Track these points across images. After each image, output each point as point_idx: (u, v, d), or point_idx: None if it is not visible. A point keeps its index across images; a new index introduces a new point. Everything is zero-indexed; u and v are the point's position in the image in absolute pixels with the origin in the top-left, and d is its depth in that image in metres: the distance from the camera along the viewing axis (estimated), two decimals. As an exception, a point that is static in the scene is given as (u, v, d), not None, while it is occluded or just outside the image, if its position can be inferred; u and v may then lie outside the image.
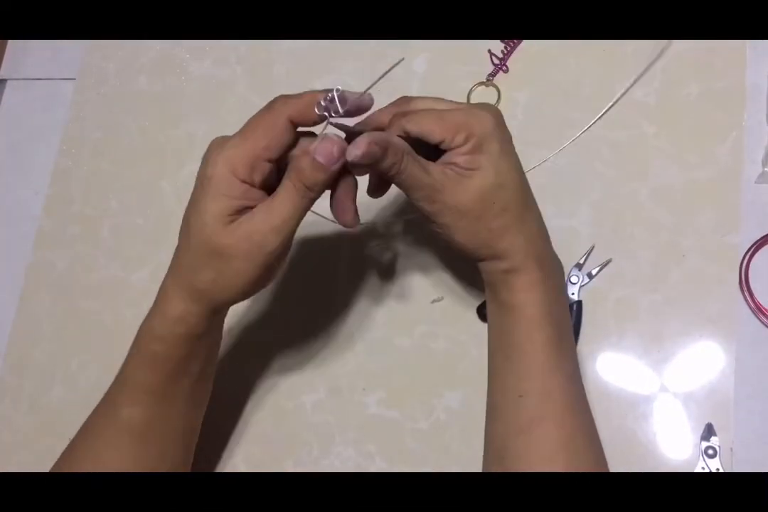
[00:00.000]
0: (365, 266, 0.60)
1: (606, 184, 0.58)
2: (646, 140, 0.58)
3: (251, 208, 0.43)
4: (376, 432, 0.56)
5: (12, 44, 0.73)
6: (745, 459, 0.51)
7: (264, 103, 0.66)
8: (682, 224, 0.56)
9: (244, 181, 0.43)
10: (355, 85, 0.64)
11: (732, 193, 0.56)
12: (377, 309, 0.59)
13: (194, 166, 0.65)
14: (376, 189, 0.49)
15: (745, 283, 0.54)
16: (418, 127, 0.44)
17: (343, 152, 0.42)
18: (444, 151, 0.45)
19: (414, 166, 0.44)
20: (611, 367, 0.54)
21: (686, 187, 0.57)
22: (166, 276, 0.46)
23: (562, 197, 0.58)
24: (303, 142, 0.44)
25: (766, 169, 0.55)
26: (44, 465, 0.59)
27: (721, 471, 0.51)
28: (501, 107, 0.61)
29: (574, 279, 0.56)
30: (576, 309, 0.55)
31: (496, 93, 0.62)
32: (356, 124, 0.47)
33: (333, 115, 0.43)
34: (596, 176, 0.58)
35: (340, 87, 0.43)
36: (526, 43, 0.62)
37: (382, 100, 0.63)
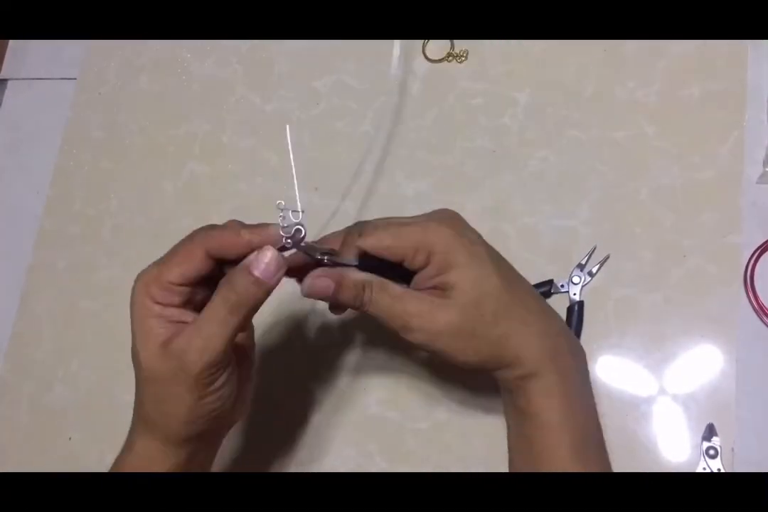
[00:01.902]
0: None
1: (606, 184, 0.58)
2: (646, 140, 0.58)
3: (172, 327, 0.41)
4: (376, 432, 0.56)
5: (12, 44, 0.73)
6: (746, 459, 0.51)
7: (264, 103, 0.66)
8: (683, 224, 0.56)
9: (159, 303, 0.41)
10: (355, 84, 0.65)
11: (733, 193, 0.56)
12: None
13: (195, 166, 0.66)
14: (335, 307, 0.45)
15: (750, 284, 0.53)
16: (373, 245, 0.42)
17: (281, 265, 0.39)
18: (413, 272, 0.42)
19: (381, 296, 0.41)
20: (612, 367, 0.54)
21: (687, 187, 0.57)
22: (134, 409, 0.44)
23: (562, 197, 0.58)
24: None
25: (767, 169, 0.55)
26: (44, 465, 0.59)
27: (722, 471, 0.51)
28: (501, 106, 0.61)
29: (576, 279, 0.56)
30: (578, 310, 0.55)
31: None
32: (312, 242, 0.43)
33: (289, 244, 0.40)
34: (596, 176, 0.58)
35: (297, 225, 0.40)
36: (526, 43, 0.62)
37: (381, 99, 0.64)
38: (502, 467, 0.52)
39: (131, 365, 0.60)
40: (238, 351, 0.43)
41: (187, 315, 0.41)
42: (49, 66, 0.71)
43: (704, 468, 0.51)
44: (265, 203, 0.63)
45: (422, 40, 0.64)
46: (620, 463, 0.50)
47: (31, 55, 0.72)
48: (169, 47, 0.69)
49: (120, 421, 0.60)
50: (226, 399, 0.42)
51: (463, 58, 0.63)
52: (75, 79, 0.70)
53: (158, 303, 0.41)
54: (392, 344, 0.57)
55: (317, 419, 0.57)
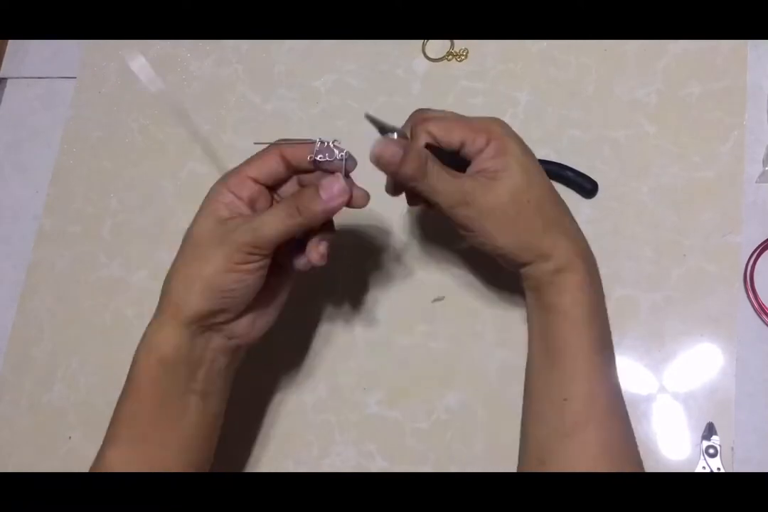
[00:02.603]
0: (366, 265, 0.60)
1: (607, 184, 0.58)
2: (647, 140, 0.58)
3: (233, 214, 0.45)
4: (376, 432, 0.56)
5: (12, 44, 0.73)
6: (746, 458, 0.51)
7: (264, 103, 0.66)
8: (683, 223, 0.56)
9: (231, 192, 0.46)
10: (355, 85, 0.65)
11: (733, 193, 0.56)
12: (378, 308, 0.59)
13: (195, 165, 0.66)
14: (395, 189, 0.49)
15: (750, 284, 0.53)
16: (439, 129, 0.45)
17: (344, 192, 0.43)
18: (466, 164, 0.46)
19: (440, 170, 0.44)
20: (612, 367, 0.54)
21: (687, 187, 0.57)
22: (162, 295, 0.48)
23: (562, 197, 0.58)
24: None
25: (766, 168, 0.55)
26: (44, 465, 0.59)
27: (721, 470, 0.51)
28: (500, 107, 0.61)
29: None
30: None
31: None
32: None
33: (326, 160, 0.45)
34: (597, 176, 0.58)
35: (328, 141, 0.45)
36: (526, 43, 0.62)
37: (381, 99, 0.64)
38: (502, 467, 0.52)
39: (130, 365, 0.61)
40: (281, 272, 0.48)
41: (241, 207, 0.46)
42: (48, 65, 0.71)
43: (704, 467, 0.51)
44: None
45: (422, 40, 0.64)
46: (620, 463, 0.50)
47: (31, 54, 0.72)
48: (169, 47, 0.69)
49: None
50: (246, 287, 0.44)
51: (463, 57, 0.63)
52: (75, 78, 0.70)
53: (231, 191, 0.45)
54: (393, 343, 0.57)
55: (317, 419, 0.57)
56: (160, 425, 0.46)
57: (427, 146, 0.45)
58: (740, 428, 0.51)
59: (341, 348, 0.58)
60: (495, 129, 0.46)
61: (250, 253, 0.44)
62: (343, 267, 0.60)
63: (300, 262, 0.47)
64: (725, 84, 0.58)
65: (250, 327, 0.47)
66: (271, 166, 0.46)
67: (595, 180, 0.57)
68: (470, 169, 0.46)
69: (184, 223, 0.64)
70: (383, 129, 0.46)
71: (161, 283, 0.65)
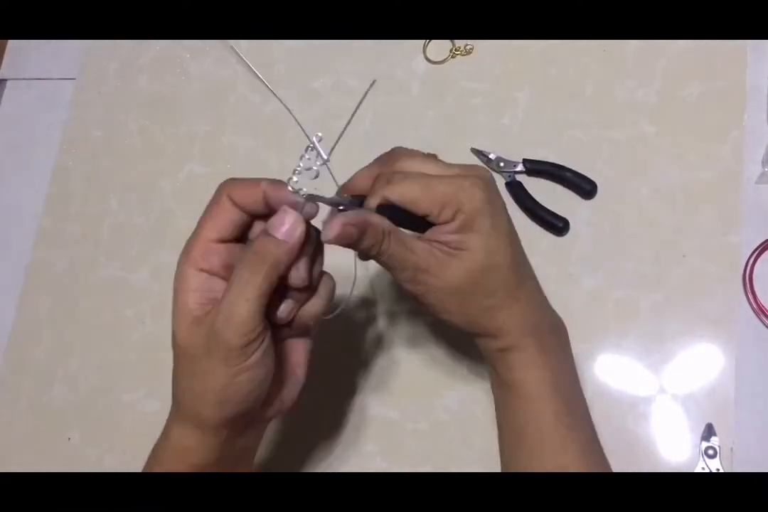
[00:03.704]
0: (367, 265, 0.60)
1: (606, 185, 0.58)
2: (646, 140, 0.58)
3: (207, 303, 0.40)
4: (376, 432, 0.56)
5: (12, 44, 0.73)
6: (745, 459, 0.51)
7: (264, 103, 0.66)
8: (683, 224, 0.56)
9: (202, 270, 0.40)
10: (355, 85, 0.65)
11: (732, 193, 0.56)
12: (378, 307, 0.59)
13: (194, 166, 0.66)
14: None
15: (748, 285, 0.53)
16: (401, 197, 0.41)
17: (299, 221, 0.39)
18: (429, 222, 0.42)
19: (397, 246, 0.41)
20: (611, 367, 0.54)
21: (687, 187, 0.57)
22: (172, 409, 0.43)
23: (562, 197, 0.58)
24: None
25: (766, 169, 0.55)
26: (44, 465, 0.59)
27: (721, 471, 0.51)
28: (500, 108, 0.61)
29: None
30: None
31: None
32: (336, 194, 0.43)
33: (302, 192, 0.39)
34: (596, 176, 0.58)
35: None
36: (526, 43, 0.62)
37: (381, 100, 0.64)
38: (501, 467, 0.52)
39: (130, 365, 0.61)
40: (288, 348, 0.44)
41: (217, 283, 0.40)
42: (48, 66, 0.71)
43: (703, 468, 0.51)
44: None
45: (424, 41, 0.64)
46: (619, 463, 0.50)
47: (31, 55, 0.72)
48: (169, 47, 0.69)
49: (119, 421, 0.60)
50: (262, 381, 0.40)
51: (466, 53, 0.63)
52: (74, 78, 0.70)
53: (201, 269, 0.40)
54: (392, 344, 0.58)
55: (317, 419, 0.57)
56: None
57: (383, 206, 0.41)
58: (740, 429, 0.51)
59: (341, 349, 0.58)
60: (468, 201, 0.41)
61: (244, 346, 0.38)
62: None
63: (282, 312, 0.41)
64: (724, 84, 0.58)
65: (280, 403, 0.44)
66: (229, 218, 0.41)
67: (594, 180, 0.57)
68: (428, 235, 0.42)
69: (184, 223, 0.64)
70: (335, 204, 0.41)
71: (161, 283, 0.65)
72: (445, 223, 0.41)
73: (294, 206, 0.39)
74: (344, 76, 0.65)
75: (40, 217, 0.67)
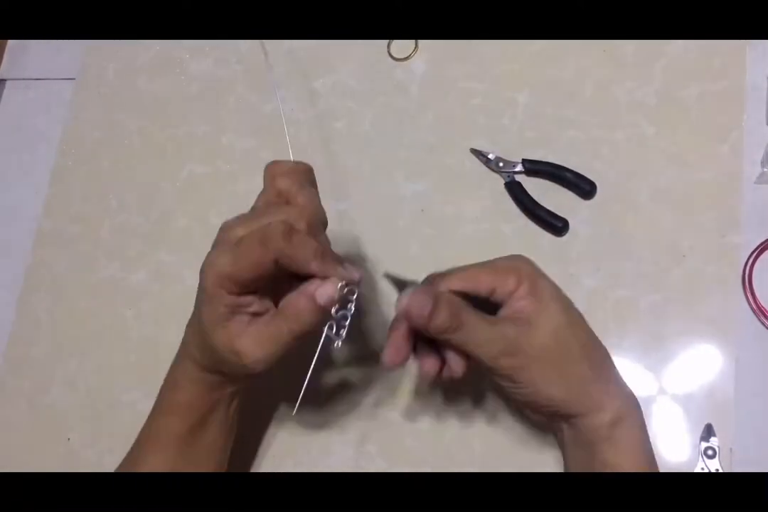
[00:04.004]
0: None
1: (605, 185, 0.58)
2: (645, 141, 0.58)
3: (247, 309, 0.42)
4: (376, 432, 0.56)
5: (12, 44, 0.73)
6: (744, 459, 0.51)
7: (263, 103, 0.66)
8: (683, 224, 0.56)
9: (231, 293, 0.41)
10: (355, 85, 0.65)
11: (732, 194, 0.56)
12: (378, 308, 0.59)
13: (194, 166, 0.66)
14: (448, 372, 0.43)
15: (748, 285, 0.53)
16: (464, 280, 0.41)
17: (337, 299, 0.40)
18: (494, 308, 0.42)
19: (477, 318, 0.40)
20: (611, 367, 0.54)
21: (686, 188, 0.57)
22: (185, 334, 0.46)
23: (561, 197, 0.58)
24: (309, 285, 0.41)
25: (765, 169, 0.55)
26: (44, 465, 0.59)
27: (720, 471, 0.51)
28: (499, 108, 0.61)
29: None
30: None
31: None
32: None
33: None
34: (596, 176, 0.58)
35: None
36: (525, 44, 0.62)
37: (380, 100, 0.64)
38: (501, 467, 0.52)
39: (130, 365, 0.61)
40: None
41: (245, 300, 0.42)
42: (48, 66, 0.71)
43: (702, 469, 0.51)
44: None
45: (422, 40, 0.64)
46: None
47: (31, 55, 0.72)
48: (169, 47, 0.69)
49: (119, 421, 0.60)
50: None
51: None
52: (74, 79, 0.70)
53: (231, 293, 0.41)
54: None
55: (317, 419, 0.57)
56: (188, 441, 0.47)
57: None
58: (739, 429, 0.51)
59: (340, 349, 0.58)
60: (522, 267, 0.42)
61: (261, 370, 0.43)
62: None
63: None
64: (724, 85, 0.58)
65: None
66: (266, 273, 0.41)
67: (594, 181, 0.57)
68: (501, 313, 0.42)
69: (183, 224, 0.64)
70: (403, 284, 0.42)
71: (160, 283, 0.65)
72: (512, 292, 0.41)
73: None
74: (344, 76, 0.65)
75: (40, 217, 0.67)
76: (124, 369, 0.61)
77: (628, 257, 0.56)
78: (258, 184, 0.66)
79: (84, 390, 0.61)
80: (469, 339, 0.40)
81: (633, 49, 0.60)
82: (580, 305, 0.55)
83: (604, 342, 0.54)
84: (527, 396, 0.42)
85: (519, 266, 0.42)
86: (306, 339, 0.42)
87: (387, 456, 0.55)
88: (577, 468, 0.44)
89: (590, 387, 0.41)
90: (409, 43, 0.64)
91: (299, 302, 0.41)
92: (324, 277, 0.40)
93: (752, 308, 0.53)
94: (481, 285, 0.42)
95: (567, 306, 0.42)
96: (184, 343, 0.46)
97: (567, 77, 0.61)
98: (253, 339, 0.41)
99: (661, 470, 0.51)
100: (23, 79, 0.72)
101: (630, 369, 0.54)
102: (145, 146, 0.67)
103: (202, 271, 0.42)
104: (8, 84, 0.72)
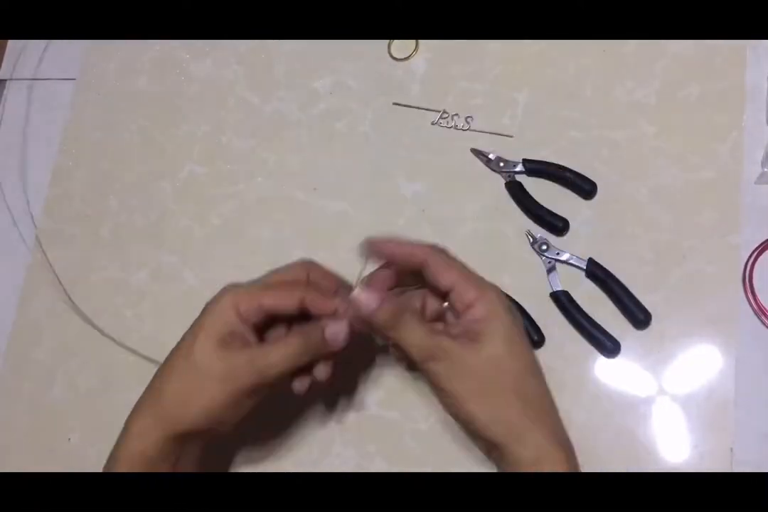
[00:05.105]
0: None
1: (605, 185, 0.58)
2: (645, 141, 0.58)
3: (236, 340, 0.45)
4: (376, 432, 0.56)
5: (12, 44, 0.72)
6: (744, 459, 0.51)
7: (263, 104, 0.66)
8: (683, 224, 0.56)
9: (238, 314, 0.45)
10: (354, 85, 0.65)
11: (732, 194, 0.56)
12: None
13: (194, 166, 0.66)
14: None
15: (748, 285, 0.53)
16: (436, 264, 0.45)
17: (348, 335, 0.45)
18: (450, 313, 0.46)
19: (416, 323, 0.44)
20: (611, 368, 0.54)
21: (686, 188, 0.57)
22: (141, 397, 0.47)
23: (562, 197, 0.58)
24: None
25: (765, 169, 0.55)
26: (44, 465, 0.59)
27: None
28: (499, 108, 0.61)
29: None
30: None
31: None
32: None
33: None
34: (596, 176, 0.58)
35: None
36: (525, 44, 0.62)
37: (380, 100, 0.64)
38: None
39: (130, 365, 0.61)
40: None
41: (243, 328, 0.45)
42: (48, 66, 0.71)
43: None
44: (264, 203, 0.63)
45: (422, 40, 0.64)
46: (619, 463, 0.50)
47: (31, 55, 0.72)
48: (168, 47, 0.69)
49: (120, 422, 0.60)
50: (245, 412, 0.46)
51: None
52: (74, 79, 0.70)
53: (238, 314, 0.45)
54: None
55: (317, 419, 0.57)
56: None
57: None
58: (739, 429, 0.51)
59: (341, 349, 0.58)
60: (491, 290, 0.45)
61: (254, 392, 0.45)
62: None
63: (298, 385, 0.48)
64: (724, 85, 0.58)
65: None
66: (288, 305, 0.46)
67: (594, 181, 0.57)
68: (454, 323, 0.45)
69: (183, 224, 0.64)
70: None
71: (160, 284, 0.65)
72: (468, 307, 0.43)
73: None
74: (344, 77, 0.65)
75: (40, 217, 0.67)
76: (124, 369, 0.61)
77: (628, 257, 0.56)
78: (257, 184, 0.66)
79: (84, 390, 0.61)
80: (403, 339, 0.44)
81: (633, 49, 0.60)
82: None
83: (604, 342, 0.54)
84: (450, 407, 0.44)
85: (486, 287, 0.45)
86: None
87: (387, 456, 0.55)
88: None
89: (513, 417, 0.42)
90: (410, 43, 0.64)
91: (314, 330, 0.45)
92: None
93: (752, 308, 0.53)
94: (445, 279, 0.44)
95: (515, 339, 0.44)
96: (157, 407, 0.46)
97: (567, 77, 0.61)
98: (256, 355, 0.45)
99: (662, 470, 0.51)
100: (24, 78, 0.72)
101: (630, 369, 0.54)
102: (145, 146, 0.67)
103: (214, 299, 0.46)
104: (9, 84, 0.72)
